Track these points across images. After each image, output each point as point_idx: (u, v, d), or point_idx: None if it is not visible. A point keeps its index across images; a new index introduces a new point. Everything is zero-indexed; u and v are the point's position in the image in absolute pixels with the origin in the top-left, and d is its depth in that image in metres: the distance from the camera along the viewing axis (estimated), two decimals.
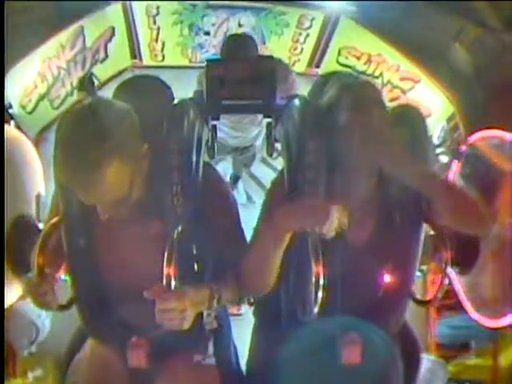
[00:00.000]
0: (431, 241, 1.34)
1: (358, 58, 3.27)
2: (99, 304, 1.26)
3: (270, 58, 1.81)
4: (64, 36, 3.21)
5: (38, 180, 1.56)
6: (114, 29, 3.40)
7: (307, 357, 1.31)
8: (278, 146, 1.73)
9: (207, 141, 1.75)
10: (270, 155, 2.04)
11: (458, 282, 1.63)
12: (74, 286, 1.27)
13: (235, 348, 1.46)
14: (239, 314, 1.55)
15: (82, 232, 1.23)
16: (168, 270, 1.09)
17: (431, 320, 2.45)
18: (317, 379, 1.32)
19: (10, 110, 2.86)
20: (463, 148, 2.21)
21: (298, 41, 3.42)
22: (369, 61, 3.25)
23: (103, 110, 1.08)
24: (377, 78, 3.21)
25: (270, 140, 1.90)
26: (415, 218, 1.28)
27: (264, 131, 2.28)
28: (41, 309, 1.19)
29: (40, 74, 3.16)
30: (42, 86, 3.21)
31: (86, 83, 2.49)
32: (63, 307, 1.28)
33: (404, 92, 3.15)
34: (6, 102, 2.82)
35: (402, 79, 3.17)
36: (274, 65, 1.78)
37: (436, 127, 2.88)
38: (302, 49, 3.44)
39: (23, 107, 3.11)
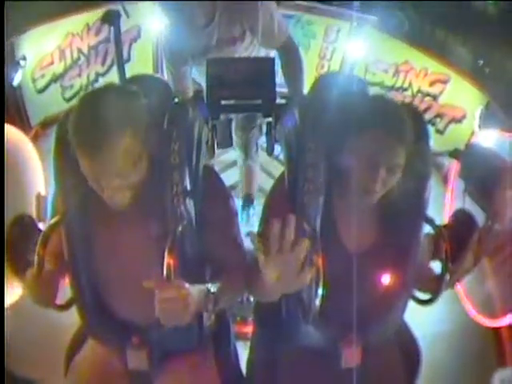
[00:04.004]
0: (431, 241, 1.34)
1: (386, 72, 3.20)
2: (99, 305, 1.26)
3: (270, 58, 1.81)
4: (92, 16, 3.02)
5: (37, 179, 1.55)
6: (140, 29, 3.21)
7: (307, 358, 1.32)
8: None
9: (207, 140, 1.75)
10: (270, 155, 2.04)
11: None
12: (74, 287, 1.27)
13: (235, 349, 1.46)
14: None
15: (81, 232, 1.22)
16: (169, 261, 1.09)
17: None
18: (316, 380, 1.33)
19: (22, 62, 2.78)
20: (462, 148, 2.21)
21: (324, 57, 3.33)
22: (397, 71, 3.18)
23: (122, 91, 1.11)
24: (406, 90, 3.16)
25: (270, 140, 1.90)
26: (416, 221, 1.28)
27: None
28: (38, 305, 1.18)
29: (60, 49, 2.99)
30: (59, 64, 3.05)
31: (112, 16, 2.33)
32: (63, 308, 1.28)
33: (435, 98, 3.07)
34: (19, 55, 2.77)
35: (432, 83, 3.07)
36: (274, 64, 1.78)
37: (473, 122, 2.78)
38: (329, 66, 3.36)
39: (34, 81, 2.97)
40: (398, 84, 3.19)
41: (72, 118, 1.07)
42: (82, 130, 1.06)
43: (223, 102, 1.73)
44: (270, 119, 1.81)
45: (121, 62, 2.44)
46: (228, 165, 2.91)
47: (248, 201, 2.69)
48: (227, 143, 2.21)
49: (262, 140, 2.31)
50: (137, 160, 1.10)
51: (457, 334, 2.02)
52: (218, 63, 1.80)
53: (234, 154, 2.67)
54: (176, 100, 1.35)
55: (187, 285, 1.07)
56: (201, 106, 1.69)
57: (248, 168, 2.55)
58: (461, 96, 2.98)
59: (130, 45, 3.21)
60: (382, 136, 1.12)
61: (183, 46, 1.97)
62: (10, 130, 1.47)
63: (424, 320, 1.60)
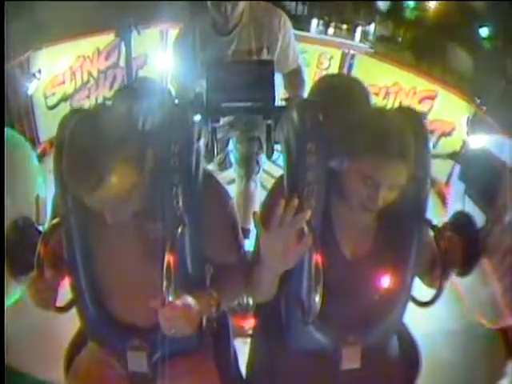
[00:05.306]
0: (431, 242, 1.34)
1: (377, 95, 3.31)
2: (99, 307, 1.26)
3: (270, 61, 1.81)
4: (103, 41, 3.14)
5: (37, 182, 1.55)
6: (146, 57, 3.29)
7: (307, 359, 1.31)
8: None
9: (207, 143, 1.75)
10: (270, 157, 2.04)
11: (456, 283, 1.62)
12: (74, 289, 1.27)
13: (235, 351, 1.46)
14: None
15: (81, 234, 1.22)
16: (169, 262, 1.09)
17: None
18: (316, 382, 1.32)
19: (37, 74, 2.90)
20: (462, 150, 2.21)
21: None
22: (387, 94, 3.30)
23: (111, 116, 1.08)
24: None
25: (269, 142, 1.90)
26: (415, 226, 1.27)
27: None
28: (39, 307, 1.19)
29: (71, 70, 3.11)
30: (70, 84, 3.16)
31: (124, 30, 2.37)
32: (63, 309, 1.28)
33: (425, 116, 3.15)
34: (35, 69, 2.91)
35: (421, 101, 3.20)
36: (274, 67, 1.79)
37: (462, 132, 2.90)
38: None
39: (45, 97, 3.07)
40: (389, 105, 3.28)
41: (65, 162, 1.06)
42: (77, 172, 1.05)
43: (223, 105, 1.74)
44: (270, 122, 1.81)
45: (130, 71, 2.49)
46: (228, 181, 2.89)
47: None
48: (226, 163, 2.30)
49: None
50: (138, 181, 1.10)
51: (462, 330, 2.02)
52: (217, 66, 1.81)
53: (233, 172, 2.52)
54: (176, 102, 1.35)
55: (190, 299, 1.09)
56: (201, 108, 1.69)
57: (248, 196, 2.36)
58: (449, 110, 3.10)
59: (137, 71, 3.26)
60: (384, 157, 1.11)
61: (197, 53, 1.96)
62: (10, 132, 1.47)
63: (428, 318, 1.60)
